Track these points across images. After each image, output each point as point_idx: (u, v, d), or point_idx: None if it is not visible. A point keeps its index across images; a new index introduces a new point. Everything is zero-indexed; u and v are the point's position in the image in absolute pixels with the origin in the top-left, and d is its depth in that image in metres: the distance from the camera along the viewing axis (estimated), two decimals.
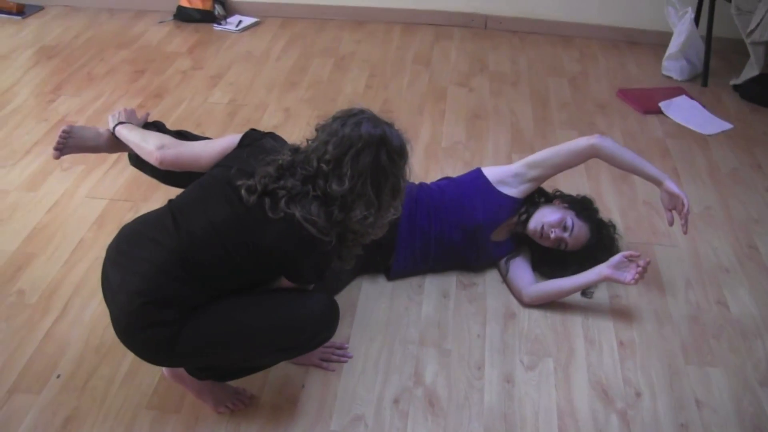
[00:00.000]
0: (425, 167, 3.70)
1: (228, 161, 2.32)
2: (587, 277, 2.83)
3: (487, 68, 4.79)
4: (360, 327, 2.79)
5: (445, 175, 3.35)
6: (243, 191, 2.15)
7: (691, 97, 4.44)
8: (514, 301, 2.93)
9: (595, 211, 3.03)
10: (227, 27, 5.26)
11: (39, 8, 5.51)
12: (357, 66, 4.78)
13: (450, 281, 3.02)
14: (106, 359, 2.63)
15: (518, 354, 2.69)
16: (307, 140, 2.23)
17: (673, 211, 2.87)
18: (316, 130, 2.23)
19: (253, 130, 2.43)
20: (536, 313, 2.87)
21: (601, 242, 2.96)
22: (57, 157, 2.67)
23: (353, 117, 2.18)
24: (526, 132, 4.08)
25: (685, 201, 2.79)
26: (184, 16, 5.33)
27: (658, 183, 2.86)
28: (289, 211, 2.11)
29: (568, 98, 4.44)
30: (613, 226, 3.06)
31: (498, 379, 2.59)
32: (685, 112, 4.30)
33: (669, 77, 4.77)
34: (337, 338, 2.69)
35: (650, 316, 2.88)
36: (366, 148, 2.12)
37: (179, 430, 2.40)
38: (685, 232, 2.86)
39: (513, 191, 2.94)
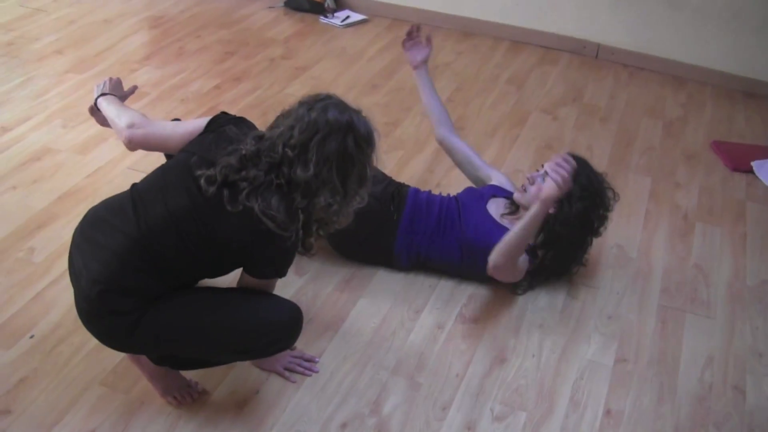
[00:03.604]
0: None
1: (192, 147, 2.26)
2: (528, 212, 2.66)
3: (581, 99, 4.55)
4: (339, 342, 2.69)
5: None
6: (202, 181, 2.10)
7: None
8: (511, 346, 2.74)
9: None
10: (332, 21, 5.23)
11: None
12: (447, 77, 4.64)
13: (451, 312, 2.87)
14: (81, 329, 2.58)
15: (491, 402, 2.52)
16: (271, 127, 2.17)
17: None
18: (281, 116, 2.18)
19: (223, 113, 2.36)
20: (529, 363, 2.68)
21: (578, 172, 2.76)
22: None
23: (320, 102, 2.13)
24: None
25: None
26: (294, 3, 5.35)
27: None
28: (248, 204, 2.06)
29: (655, 143, 4.15)
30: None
31: (459, 425, 2.43)
32: None
33: None
34: (312, 350, 2.63)
35: (652, 389, 2.63)
36: (332, 134, 2.08)
37: (120, 410, 2.38)
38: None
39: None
